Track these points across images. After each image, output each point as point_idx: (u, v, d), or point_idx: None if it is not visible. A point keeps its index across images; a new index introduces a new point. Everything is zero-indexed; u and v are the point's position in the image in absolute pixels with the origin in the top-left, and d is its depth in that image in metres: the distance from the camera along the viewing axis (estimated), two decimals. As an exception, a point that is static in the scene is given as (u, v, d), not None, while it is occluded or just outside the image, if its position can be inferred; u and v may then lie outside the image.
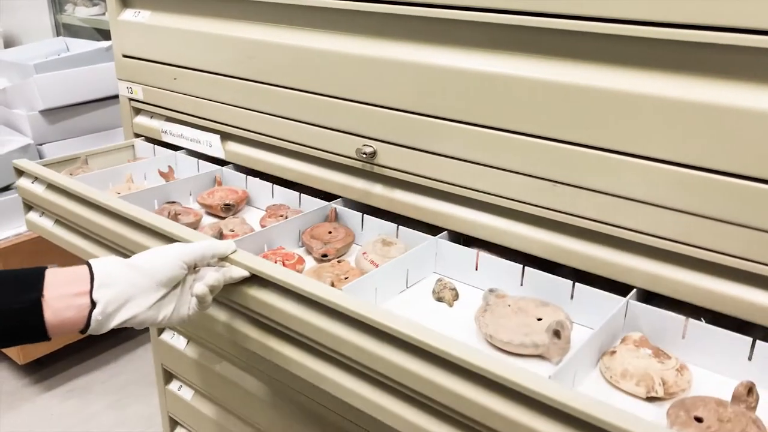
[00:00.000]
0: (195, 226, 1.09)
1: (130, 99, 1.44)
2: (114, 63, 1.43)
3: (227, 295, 0.88)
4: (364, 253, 0.96)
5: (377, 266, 0.91)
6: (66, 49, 2.36)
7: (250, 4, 1.10)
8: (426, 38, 0.90)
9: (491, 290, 0.87)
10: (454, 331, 0.83)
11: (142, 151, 1.41)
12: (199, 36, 1.21)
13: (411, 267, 0.93)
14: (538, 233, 0.88)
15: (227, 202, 1.13)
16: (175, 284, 0.78)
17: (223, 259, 0.85)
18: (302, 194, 1.14)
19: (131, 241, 1.01)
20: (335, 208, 1.07)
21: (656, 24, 0.69)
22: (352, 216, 1.07)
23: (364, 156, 0.99)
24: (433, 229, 0.99)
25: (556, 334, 0.74)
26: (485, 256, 0.92)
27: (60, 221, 1.19)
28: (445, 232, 0.98)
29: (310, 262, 0.99)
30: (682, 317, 0.77)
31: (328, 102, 1.03)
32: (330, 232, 1.03)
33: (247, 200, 1.21)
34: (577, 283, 0.84)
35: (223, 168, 1.26)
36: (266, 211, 1.14)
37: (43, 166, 1.24)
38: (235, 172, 1.24)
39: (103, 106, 2.01)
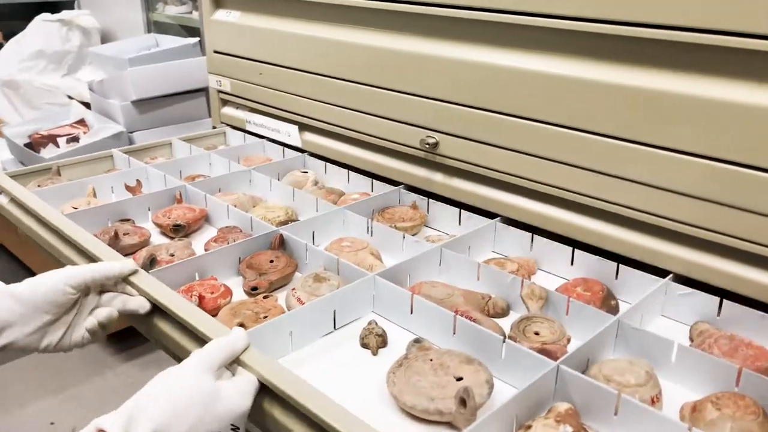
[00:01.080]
0: (140, 247, 1.04)
1: (219, 91, 1.59)
2: (201, 58, 1.49)
3: (136, 323, 0.85)
4: (293, 289, 0.89)
5: (303, 304, 0.84)
6: (156, 44, 2.52)
7: (330, 7, 1.22)
8: (488, 40, 0.99)
9: (416, 341, 0.78)
10: (365, 385, 0.74)
11: (121, 163, 1.39)
12: (284, 35, 1.33)
13: (340, 307, 0.85)
14: (583, 220, 0.96)
15: (177, 222, 1.08)
16: (68, 308, 0.75)
17: (125, 280, 0.81)
18: (253, 217, 1.08)
19: (69, 260, 0.98)
20: (281, 235, 1.00)
21: (702, 31, 0.75)
22: (298, 244, 1.00)
23: (428, 146, 1.09)
24: (489, 216, 1.08)
25: (462, 402, 0.65)
26: (420, 300, 0.83)
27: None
28: (499, 217, 1.07)
29: (241, 295, 0.93)
30: (614, 391, 0.66)
31: (396, 97, 1.14)
32: (272, 261, 0.97)
33: (206, 218, 1.16)
34: (508, 340, 0.75)
35: (187, 184, 1.21)
36: (218, 233, 1.09)
37: (11, 176, 1.23)
38: (197, 190, 1.19)
39: (189, 98, 2.15)
